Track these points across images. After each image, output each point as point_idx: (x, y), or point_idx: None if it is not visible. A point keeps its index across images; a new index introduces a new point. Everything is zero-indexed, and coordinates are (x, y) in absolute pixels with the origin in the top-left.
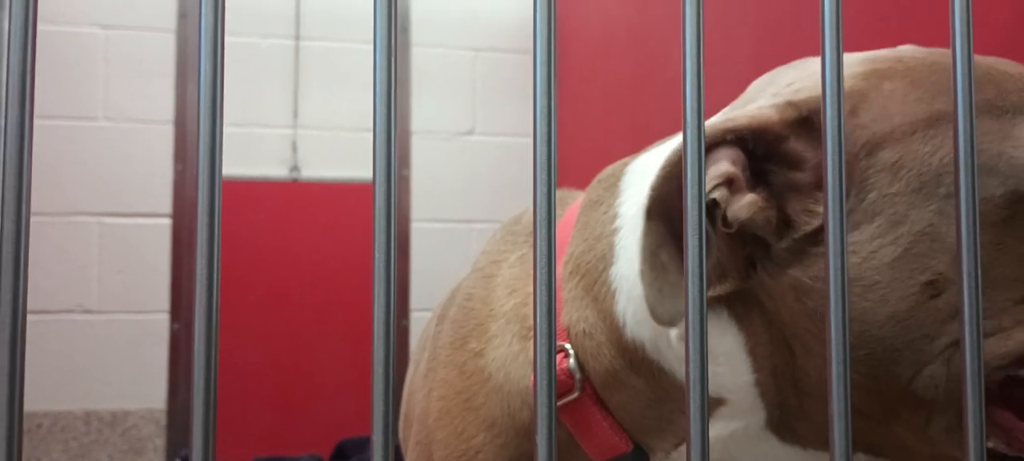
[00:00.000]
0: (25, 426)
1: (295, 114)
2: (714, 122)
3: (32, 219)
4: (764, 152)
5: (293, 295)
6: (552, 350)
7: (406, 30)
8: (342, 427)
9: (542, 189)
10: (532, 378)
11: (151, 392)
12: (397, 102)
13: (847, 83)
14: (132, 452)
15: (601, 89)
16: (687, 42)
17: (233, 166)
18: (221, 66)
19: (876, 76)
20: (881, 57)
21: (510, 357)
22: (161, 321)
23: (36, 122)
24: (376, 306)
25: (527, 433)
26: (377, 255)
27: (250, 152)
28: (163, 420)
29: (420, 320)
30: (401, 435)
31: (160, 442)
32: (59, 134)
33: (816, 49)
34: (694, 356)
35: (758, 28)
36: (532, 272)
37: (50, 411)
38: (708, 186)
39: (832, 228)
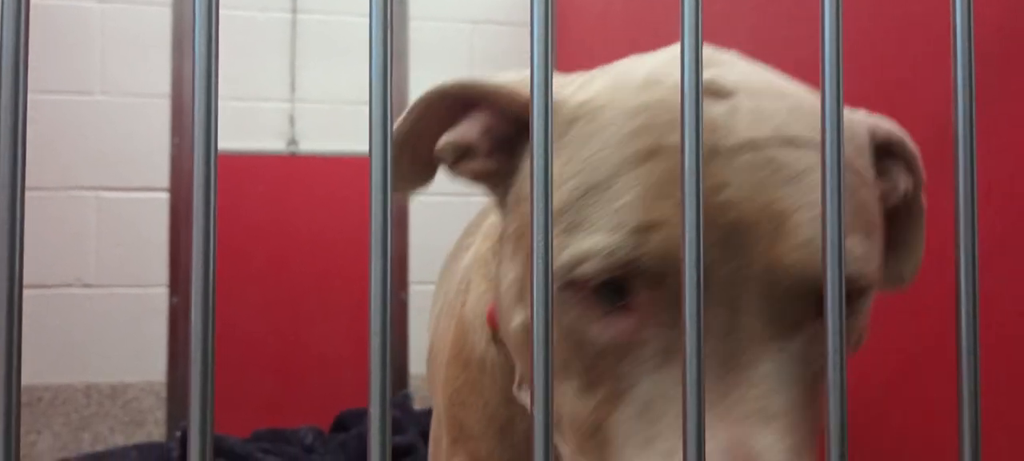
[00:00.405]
0: (25, 399)
1: (292, 87)
2: (481, 82)
3: (30, 194)
4: (515, 117)
5: (292, 268)
6: (549, 318)
7: (403, 2)
8: (341, 399)
9: (539, 162)
10: (487, 311)
11: (151, 365)
12: (394, 75)
13: (592, 87)
14: (133, 424)
15: (599, 63)
16: (685, 16)
17: (231, 140)
18: (215, 40)
19: (611, 92)
20: (631, 75)
21: (477, 297)
22: (160, 295)
23: (33, 96)
24: (373, 280)
25: (480, 364)
26: (374, 228)
27: (248, 126)
28: (163, 393)
29: (418, 293)
30: (428, 372)
31: (161, 414)
32: (56, 108)
33: (815, 23)
34: (691, 348)
35: (757, 3)
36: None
37: (50, 384)
38: (447, 141)
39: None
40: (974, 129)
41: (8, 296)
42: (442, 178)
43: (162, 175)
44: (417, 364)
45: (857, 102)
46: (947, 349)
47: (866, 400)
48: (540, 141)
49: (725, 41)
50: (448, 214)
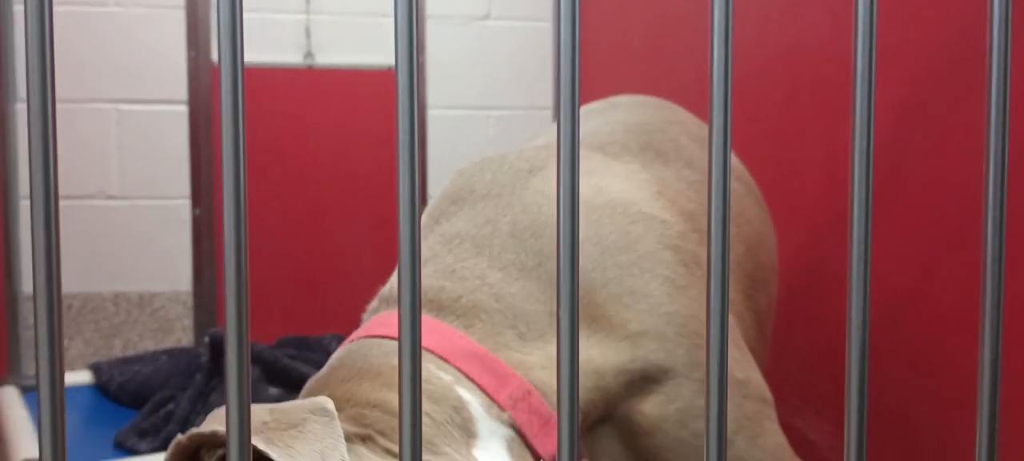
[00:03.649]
0: None
1: None
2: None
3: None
4: None
5: (311, 182)
6: (575, 241)
7: None
8: (362, 308)
9: (566, 72)
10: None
11: (177, 275)
12: None
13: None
14: (161, 332)
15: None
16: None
17: (246, 53)
18: None
19: None
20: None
21: None
22: (183, 207)
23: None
24: (401, 190)
25: None
26: (401, 138)
27: (263, 38)
28: (190, 302)
29: None
30: None
31: (188, 322)
32: (70, 20)
33: None
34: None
35: None
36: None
37: (79, 292)
38: None
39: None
40: (1009, 33)
41: (45, 210)
42: (460, 90)
43: (181, 88)
44: None
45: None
46: (966, 255)
47: (883, 307)
48: (568, 44)
49: None
50: (466, 128)
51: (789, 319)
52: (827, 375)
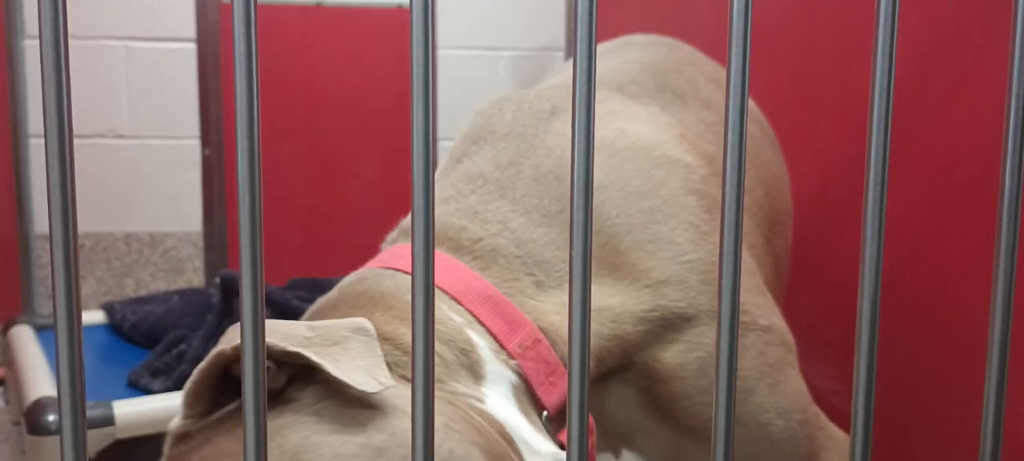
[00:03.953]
0: None
1: None
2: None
3: None
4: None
5: (321, 123)
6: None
7: None
8: (372, 250)
9: (584, 7)
10: None
11: (187, 215)
12: None
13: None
14: (173, 271)
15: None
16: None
17: None
18: None
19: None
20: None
21: None
22: (193, 146)
23: None
24: (415, 130)
25: None
26: (415, 77)
27: None
28: (200, 242)
29: (445, 150)
30: None
31: (199, 262)
32: None
33: None
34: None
35: None
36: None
37: (91, 232)
38: None
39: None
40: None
41: (59, 143)
42: (470, 30)
43: (189, 25)
44: None
45: None
46: (981, 200)
47: (895, 252)
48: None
49: None
50: (477, 69)
51: (799, 262)
52: (836, 319)
